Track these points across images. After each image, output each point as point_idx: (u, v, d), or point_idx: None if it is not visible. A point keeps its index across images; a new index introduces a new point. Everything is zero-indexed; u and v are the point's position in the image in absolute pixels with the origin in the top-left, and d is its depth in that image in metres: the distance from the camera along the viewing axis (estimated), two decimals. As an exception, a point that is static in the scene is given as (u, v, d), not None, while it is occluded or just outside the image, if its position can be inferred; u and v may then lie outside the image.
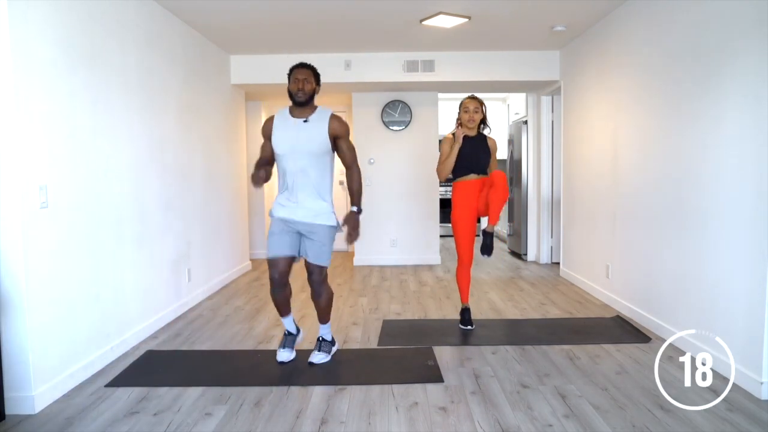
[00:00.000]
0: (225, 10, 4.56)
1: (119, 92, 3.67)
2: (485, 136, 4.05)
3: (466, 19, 4.82)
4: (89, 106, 3.31)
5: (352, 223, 3.25)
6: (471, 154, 3.93)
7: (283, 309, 3.43)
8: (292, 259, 3.31)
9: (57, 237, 2.97)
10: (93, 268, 3.31)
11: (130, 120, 3.82)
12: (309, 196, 3.20)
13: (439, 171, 4.01)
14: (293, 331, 3.50)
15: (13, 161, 2.66)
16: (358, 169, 3.36)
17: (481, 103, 3.98)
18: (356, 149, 3.44)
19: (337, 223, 3.29)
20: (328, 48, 5.85)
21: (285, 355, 3.42)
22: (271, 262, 3.29)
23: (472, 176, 3.95)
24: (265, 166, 3.29)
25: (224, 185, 5.86)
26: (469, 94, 4.04)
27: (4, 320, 2.70)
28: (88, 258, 3.26)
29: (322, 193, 3.24)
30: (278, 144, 3.22)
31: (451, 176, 4.00)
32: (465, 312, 4.13)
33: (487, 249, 3.99)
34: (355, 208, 3.31)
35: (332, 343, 3.55)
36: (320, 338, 3.49)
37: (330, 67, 6.06)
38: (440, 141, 4.03)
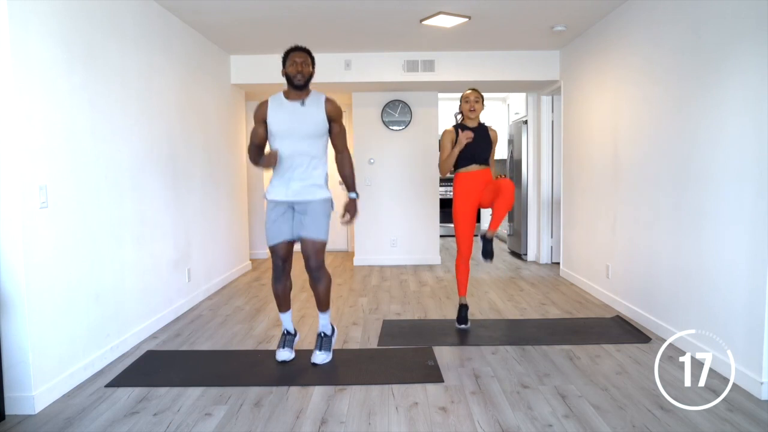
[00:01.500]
0: (225, 10, 4.56)
1: (119, 92, 3.67)
2: (486, 127, 4.05)
3: (466, 19, 4.82)
4: (89, 106, 3.31)
5: (353, 211, 3.39)
6: (472, 145, 3.93)
7: (283, 303, 3.44)
8: (292, 244, 3.33)
9: (57, 237, 2.97)
10: (93, 268, 3.31)
11: (130, 120, 3.82)
12: (305, 175, 3.24)
13: (440, 168, 4.05)
14: (291, 330, 3.51)
15: (13, 161, 2.66)
16: (349, 153, 3.45)
17: (481, 95, 4.02)
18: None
19: (330, 198, 3.32)
20: (328, 48, 5.85)
21: (285, 355, 3.42)
22: (273, 249, 3.32)
23: (474, 167, 3.97)
24: (259, 152, 3.34)
25: (224, 185, 5.86)
26: (470, 87, 4.08)
27: (4, 320, 2.70)
28: (88, 258, 3.26)
29: (317, 172, 3.28)
30: (276, 127, 3.24)
31: (452, 168, 4.03)
32: (462, 309, 4.13)
33: (488, 254, 3.98)
34: (353, 195, 3.41)
35: (332, 333, 3.55)
36: (321, 334, 3.47)
37: (330, 67, 6.06)
38: (442, 135, 4.02)
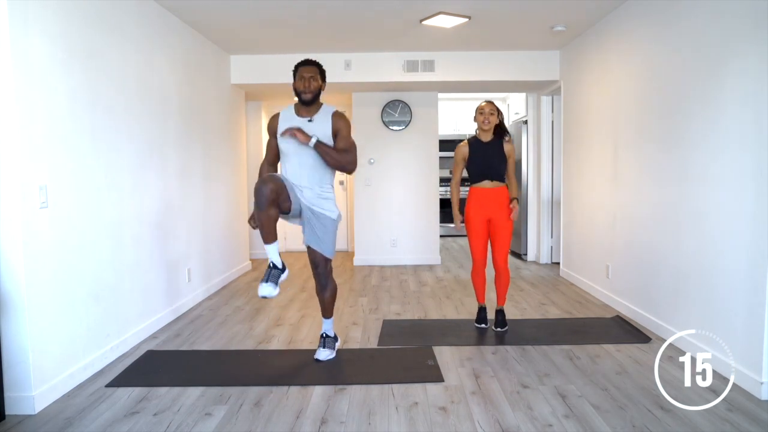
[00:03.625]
0: (225, 10, 4.56)
1: (119, 92, 3.67)
2: (502, 141, 3.90)
3: (466, 19, 4.82)
4: (89, 106, 3.31)
5: (296, 130, 3.15)
6: (484, 159, 3.86)
7: (270, 232, 3.06)
8: (286, 195, 3.09)
9: (57, 237, 2.97)
10: (93, 268, 3.31)
11: (130, 120, 3.82)
12: (313, 190, 3.24)
13: (451, 191, 4.10)
14: (278, 264, 3.12)
15: (13, 161, 2.66)
16: (350, 156, 3.26)
17: (497, 108, 3.90)
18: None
19: (339, 215, 3.32)
20: (328, 48, 5.85)
21: (268, 290, 3.03)
22: (264, 179, 3.02)
23: (486, 183, 3.88)
24: (271, 166, 3.42)
25: (224, 185, 5.86)
26: (485, 100, 3.97)
27: (4, 320, 2.70)
28: (88, 258, 3.26)
29: (325, 188, 3.28)
30: (284, 142, 3.25)
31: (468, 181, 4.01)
32: (481, 311, 4.13)
33: (500, 324, 4.01)
34: (315, 139, 3.16)
35: (335, 339, 3.56)
36: (324, 335, 3.49)
37: (330, 67, 5.96)
38: (456, 148, 4.00)
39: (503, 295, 4.03)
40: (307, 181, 3.23)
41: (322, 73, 3.29)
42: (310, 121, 3.24)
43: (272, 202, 3.00)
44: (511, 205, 3.91)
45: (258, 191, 2.96)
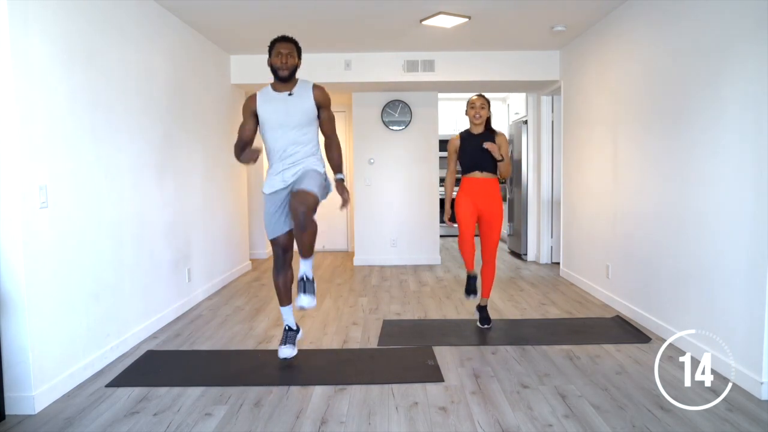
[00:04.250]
0: (225, 10, 4.56)
1: (119, 92, 3.67)
2: (493, 133, 3.93)
3: (466, 19, 4.82)
4: (89, 106, 3.31)
5: (343, 191, 3.30)
6: (475, 151, 3.88)
7: (285, 296, 3.40)
8: (292, 235, 3.30)
9: (57, 237, 2.97)
10: (93, 268, 3.31)
11: (130, 120, 3.82)
12: (300, 161, 3.23)
13: (445, 183, 4.14)
14: (293, 326, 3.43)
15: (13, 161, 2.66)
16: (338, 138, 3.41)
17: (487, 101, 3.94)
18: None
19: (326, 176, 3.29)
20: (328, 48, 5.85)
21: (287, 352, 3.35)
22: (273, 241, 3.34)
23: (476, 173, 3.90)
24: (245, 148, 3.34)
25: (224, 185, 5.86)
26: (476, 93, 4.01)
27: (4, 320, 2.70)
28: (88, 258, 3.26)
29: (313, 154, 3.28)
30: (266, 120, 3.24)
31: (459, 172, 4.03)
32: (471, 279, 4.03)
33: (485, 321, 4.02)
34: (340, 176, 3.34)
35: (313, 281, 3.25)
36: (304, 277, 3.19)
37: (330, 67, 6.07)
38: (448, 142, 4.02)
39: (488, 287, 4.02)
40: (290, 157, 3.22)
41: (299, 51, 3.26)
42: (290, 94, 3.21)
43: (289, 265, 3.37)
44: (489, 144, 3.79)
45: (275, 255, 3.37)
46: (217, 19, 4.79)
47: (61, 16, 3.04)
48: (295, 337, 3.45)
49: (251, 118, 3.30)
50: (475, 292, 4.06)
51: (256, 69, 6.14)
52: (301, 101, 3.21)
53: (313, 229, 3.13)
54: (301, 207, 3.02)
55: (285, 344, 3.38)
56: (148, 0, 4.15)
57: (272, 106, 3.23)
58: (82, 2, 3.26)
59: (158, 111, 4.26)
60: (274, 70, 3.21)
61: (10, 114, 2.65)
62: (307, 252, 3.19)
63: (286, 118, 3.20)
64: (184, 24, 4.82)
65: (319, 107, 3.25)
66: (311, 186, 3.11)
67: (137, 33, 3.96)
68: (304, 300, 3.15)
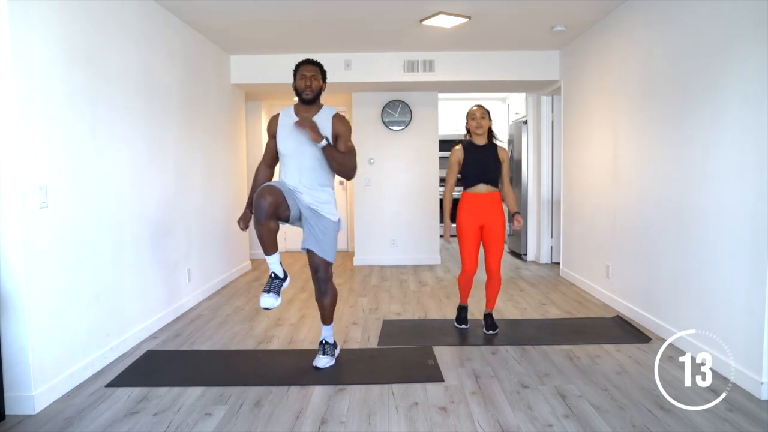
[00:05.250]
0: (225, 10, 4.56)
1: (119, 92, 3.67)
2: (495, 146, 3.90)
3: (466, 19, 4.82)
4: (89, 106, 3.31)
5: (307, 122, 3.09)
6: (478, 164, 3.84)
7: (270, 244, 3.03)
8: (285, 205, 3.03)
9: (57, 237, 2.97)
10: (93, 268, 3.31)
11: (130, 120, 3.82)
12: (312, 193, 3.16)
13: (444, 197, 4.04)
14: (280, 274, 3.12)
15: (13, 161, 2.66)
16: (354, 167, 3.26)
17: (487, 111, 3.90)
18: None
19: (340, 220, 3.24)
20: (328, 48, 5.85)
21: (269, 301, 3.02)
22: (262, 191, 2.95)
23: (481, 187, 3.84)
24: (268, 168, 3.36)
25: (224, 185, 5.86)
26: (475, 104, 3.95)
27: (4, 320, 2.70)
28: (88, 258, 3.26)
29: (325, 191, 3.20)
30: (283, 144, 3.20)
31: (461, 186, 3.95)
32: (462, 310, 4.13)
33: (491, 327, 3.98)
34: (325, 143, 3.10)
35: (335, 346, 3.46)
36: (324, 341, 3.38)
37: (330, 67, 5.97)
38: (450, 154, 3.97)
39: (494, 299, 4.00)
40: (305, 184, 3.15)
41: (323, 74, 3.25)
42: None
43: (271, 215, 2.95)
44: (516, 219, 3.80)
45: (257, 206, 2.92)
46: (217, 19, 4.79)
47: (61, 16, 3.04)
48: (281, 285, 3.11)
49: (273, 139, 3.28)
50: (466, 323, 4.11)
51: (256, 69, 6.16)
52: (321, 130, 3.13)
53: (333, 293, 3.32)
54: (322, 274, 3.21)
55: (269, 292, 3.04)
56: (148, 0, 4.15)
57: (290, 132, 3.18)
58: (83, 2, 3.26)
59: (158, 111, 4.26)
60: (298, 93, 3.19)
61: (10, 114, 2.65)
62: (329, 318, 3.36)
63: (301, 145, 3.14)
64: (184, 24, 4.82)
65: (336, 137, 3.19)
66: (330, 255, 3.20)
67: (137, 33, 3.96)
68: (321, 360, 3.31)
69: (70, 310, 3.08)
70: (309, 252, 3.21)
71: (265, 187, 2.99)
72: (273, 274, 3.10)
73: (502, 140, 4.06)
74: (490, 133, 3.94)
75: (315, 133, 3.06)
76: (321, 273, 3.22)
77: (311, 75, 3.17)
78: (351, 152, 3.24)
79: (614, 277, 4.67)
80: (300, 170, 3.15)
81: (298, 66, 3.22)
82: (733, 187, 3.04)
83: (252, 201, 3.08)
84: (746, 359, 2.91)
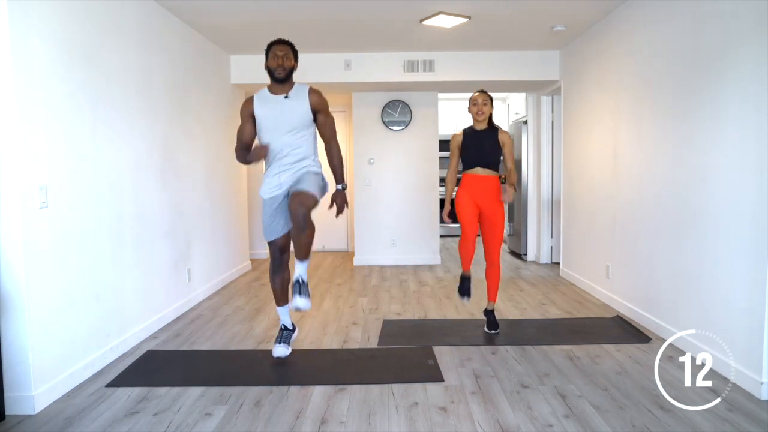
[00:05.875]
0: (225, 10, 4.56)
1: (119, 92, 3.67)
2: (496, 129, 3.88)
3: (466, 19, 4.82)
4: (89, 106, 3.31)
5: (340, 201, 3.35)
6: (476, 147, 3.85)
7: (282, 297, 3.44)
8: (289, 237, 3.33)
9: (57, 237, 2.97)
10: (93, 268, 3.31)
11: (130, 120, 3.82)
12: (296, 164, 3.25)
13: (446, 179, 4.10)
14: (289, 326, 3.48)
15: (13, 161, 2.66)
16: (338, 143, 3.41)
17: (489, 97, 3.90)
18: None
19: (324, 179, 3.31)
20: (328, 48, 5.85)
21: (281, 351, 3.38)
22: (271, 243, 3.37)
23: (478, 170, 3.85)
24: (246, 149, 3.39)
25: (224, 185, 5.86)
26: (478, 89, 3.96)
27: (4, 320, 2.70)
28: (88, 258, 3.26)
29: (308, 156, 3.29)
30: (263, 122, 3.27)
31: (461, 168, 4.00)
32: (465, 280, 4.00)
33: (492, 326, 3.97)
34: (340, 186, 3.36)
35: (307, 285, 3.25)
36: (299, 279, 3.17)
37: (330, 67, 6.07)
38: (451, 139, 4.00)
39: (495, 290, 3.97)
40: (286, 158, 3.24)
41: (295, 53, 3.30)
42: (286, 97, 3.24)
43: (286, 264, 3.39)
44: (506, 188, 3.74)
45: (272, 282, 3.43)
46: (217, 19, 4.79)
47: (61, 17, 3.04)
48: (291, 336, 3.48)
49: (249, 120, 3.33)
50: (468, 294, 4.02)
51: (256, 69, 6.10)
52: (297, 104, 3.23)
53: (311, 229, 3.17)
54: (300, 208, 3.08)
55: (280, 343, 3.40)
56: (148, 0, 4.15)
57: (268, 109, 3.26)
58: (83, 2, 3.26)
59: (158, 111, 4.26)
60: (270, 72, 3.25)
61: (10, 114, 2.65)
62: (304, 254, 3.19)
63: (281, 121, 3.23)
64: (184, 24, 4.82)
65: (315, 111, 3.27)
66: (310, 187, 3.17)
67: (137, 33, 3.96)
68: (300, 302, 3.14)
69: (70, 310, 3.08)
70: (291, 197, 3.15)
71: (272, 242, 3.35)
72: (283, 326, 3.47)
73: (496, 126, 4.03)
74: (491, 119, 3.94)
75: (340, 207, 3.36)
76: (299, 207, 3.06)
77: (283, 54, 3.22)
78: (330, 124, 3.34)
79: (614, 277, 4.67)
80: (283, 144, 3.24)
81: (270, 46, 3.28)
82: (734, 187, 3.04)
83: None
84: (746, 359, 2.91)
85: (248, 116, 3.33)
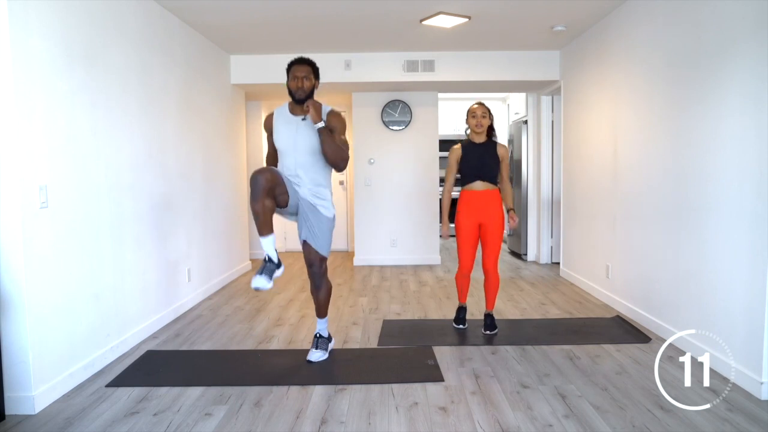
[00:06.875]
0: (225, 10, 4.56)
1: (119, 92, 3.67)
2: (495, 143, 3.91)
3: (466, 19, 4.82)
4: (89, 106, 3.31)
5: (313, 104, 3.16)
6: (476, 161, 3.85)
7: (264, 225, 3.04)
8: (284, 189, 3.09)
9: (57, 237, 2.97)
10: (93, 267, 3.31)
11: (130, 120, 3.82)
12: (310, 186, 3.25)
13: (443, 196, 4.08)
14: (275, 259, 3.09)
15: (13, 161, 2.66)
16: (346, 158, 3.24)
17: (488, 109, 3.91)
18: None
19: (334, 216, 3.35)
20: (328, 48, 5.85)
21: (262, 282, 3.00)
22: (259, 169, 3.00)
23: (478, 184, 3.85)
24: (273, 161, 3.45)
25: (224, 185, 5.86)
26: (476, 101, 3.97)
27: (4, 320, 2.70)
28: (88, 258, 3.26)
29: (322, 184, 3.29)
30: (279, 141, 3.30)
31: (459, 183, 3.97)
32: (460, 311, 4.13)
33: (489, 327, 3.97)
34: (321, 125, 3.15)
35: (329, 339, 3.55)
36: (318, 335, 3.48)
37: (330, 67, 6.06)
38: (449, 153, 3.98)
39: (493, 299, 4.01)
40: (303, 179, 3.24)
41: (316, 72, 3.28)
42: (303, 119, 3.25)
43: (267, 192, 2.97)
44: (511, 216, 3.87)
45: (253, 180, 2.96)
46: (217, 19, 4.79)
47: (61, 16, 3.04)
48: (274, 270, 3.09)
49: (271, 135, 3.39)
50: (464, 323, 4.11)
51: (256, 69, 6.15)
52: (314, 127, 3.19)
53: (327, 287, 3.42)
54: (317, 268, 3.32)
55: (261, 274, 3.03)
56: (148, 0, 4.15)
57: (285, 129, 3.28)
58: (83, 2, 3.26)
59: (158, 111, 4.26)
60: (291, 93, 3.24)
61: (10, 113, 2.65)
62: (323, 312, 3.46)
63: (296, 142, 3.23)
64: (184, 24, 4.82)
65: (331, 131, 3.21)
66: (325, 249, 3.31)
67: (137, 33, 3.96)
68: (314, 354, 3.42)
69: (69, 310, 3.07)
70: (305, 244, 3.31)
71: (262, 167, 3.07)
72: (267, 258, 3.09)
73: (497, 135, 4.05)
74: (491, 131, 3.94)
75: (317, 114, 3.13)
76: (315, 268, 3.34)
77: (303, 76, 3.22)
78: (344, 145, 3.29)
79: (614, 277, 4.67)
80: (297, 166, 3.25)
81: (290, 65, 3.27)
82: (734, 186, 3.04)
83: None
84: (746, 359, 2.91)
85: (270, 132, 3.39)
